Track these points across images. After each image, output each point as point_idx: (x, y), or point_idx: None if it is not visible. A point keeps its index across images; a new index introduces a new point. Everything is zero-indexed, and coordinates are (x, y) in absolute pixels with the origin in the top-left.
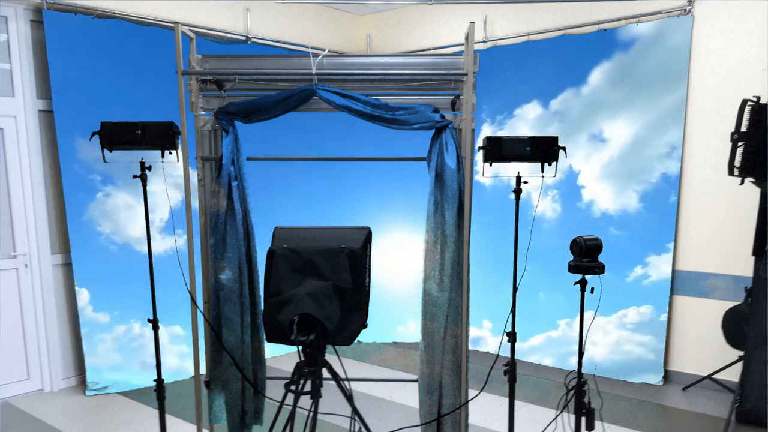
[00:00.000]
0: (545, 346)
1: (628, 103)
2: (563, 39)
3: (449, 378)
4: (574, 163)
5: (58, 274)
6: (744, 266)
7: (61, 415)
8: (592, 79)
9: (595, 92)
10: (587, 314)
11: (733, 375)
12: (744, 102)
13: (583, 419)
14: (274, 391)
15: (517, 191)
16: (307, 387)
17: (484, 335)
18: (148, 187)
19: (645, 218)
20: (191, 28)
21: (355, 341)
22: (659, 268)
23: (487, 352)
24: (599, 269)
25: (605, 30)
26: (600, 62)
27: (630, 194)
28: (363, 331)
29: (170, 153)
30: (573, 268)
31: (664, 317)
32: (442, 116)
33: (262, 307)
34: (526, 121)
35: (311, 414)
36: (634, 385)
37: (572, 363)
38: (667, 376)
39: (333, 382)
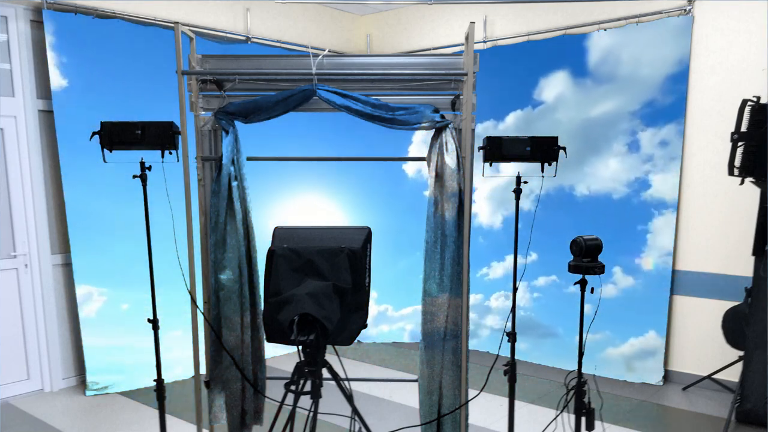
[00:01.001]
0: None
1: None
2: (563, 39)
3: (449, 378)
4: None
5: (58, 274)
6: (744, 266)
7: (61, 415)
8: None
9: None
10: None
11: (733, 375)
12: (744, 102)
13: (583, 419)
14: (274, 391)
15: (517, 191)
16: (307, 387)
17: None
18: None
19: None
20: (191, 28)
21: (355, 341)
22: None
23: (487, 352)
24: (599, 269)
25: (605, 30)
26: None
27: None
28: (363, 331)
29: (170, 153)
30: (573, 268)
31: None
32: (442, 116)
33: (262, 307)
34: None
35: (311, 414)
36: (634, 385)
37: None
38: (667, 376)
39: (333, 382)
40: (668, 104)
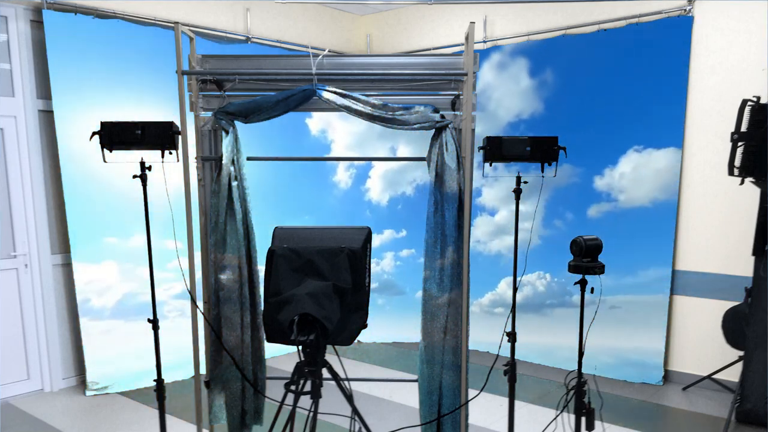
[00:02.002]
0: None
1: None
2: (563, 39)
3: (449, 378)
4: None
5: (58, 274)
6: (744, 266)
7: (61, 415)
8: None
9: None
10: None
11: (733, 375)
12: (744, 102)
13: (583, 419)
14: (274, 391)
15: (517, 191)
16: (307, 387)
17: None
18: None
19: None
20: (191, 28)
21: (355, 341)
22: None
23: (487, 352)
24: (599, 269)
25: (605, 30)
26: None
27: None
28: (363, 331)
29: (170, 153)
30: (573, 268)
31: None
32: (442, 116)
33: (262, 307)
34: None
35: (311, 414)
36: (634, 385)
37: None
38: (667, 376)
39: (333, 382)
40: (668, 104)
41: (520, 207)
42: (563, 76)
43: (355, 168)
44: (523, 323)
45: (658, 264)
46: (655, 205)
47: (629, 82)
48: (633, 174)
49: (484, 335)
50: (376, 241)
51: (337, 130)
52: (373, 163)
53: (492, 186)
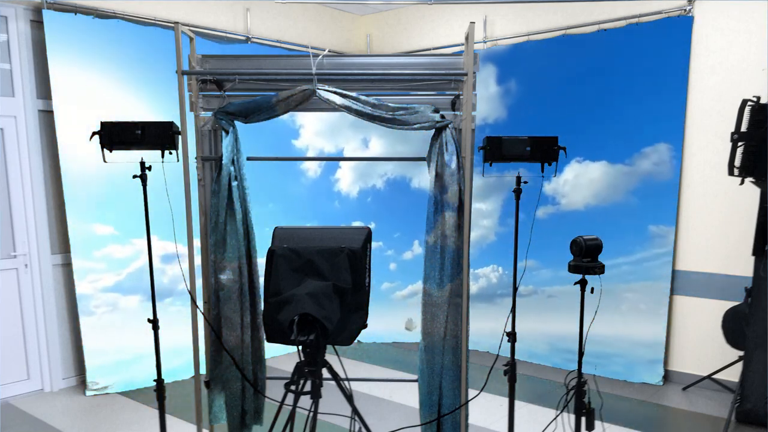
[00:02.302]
0: None
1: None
2: (563, 39)
3: (449, 378)
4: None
5: (58, 274)
6: (744, 266)
7: (61, 415)
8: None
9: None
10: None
11: (733, 375)
12: (744, 102)
13: (583, 419)
14: (274, 391)
15: (517, 191)
16: (307, 387)
17: None
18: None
19: None
20: (191, 28)
21: (355, 341)
22: None
23: (487, 352)
24: (599, 269)
25: (605, 30)
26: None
27: None
28: (363, 331)
29: (170, 153)
30: (573, 268)
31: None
32: (442, 116)
33: (262, 307)
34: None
35: (311, 414)
36: (634, 385)
37: None
38: (667, 376)
39: (333, 382)
40: (668, 104)
41: (482, 205)
42: (526, 83)
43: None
44: (478, 311)
45: None
46: (588, 209)
47: (629, 81)
48: (574, 181)
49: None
50: None
51: (306, 115)
52: (344, 152)
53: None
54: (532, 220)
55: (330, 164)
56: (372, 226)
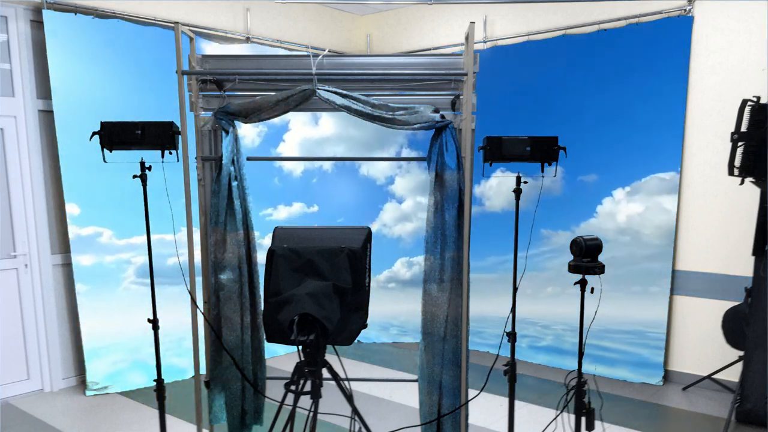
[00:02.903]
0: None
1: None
2: (563, 39)
3: (449, 378)
4: None
5: (58, 274)
6: (744, 266)
7: (61, 415)
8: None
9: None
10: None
11: (733, 375)
12: (744, 102)
13: (583, 419)
14: (274, 391)
15: (517, 191)
16: (307, 387)
17: None
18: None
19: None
20: (191, 28)
21: (355, 341)
22: None
23: (487, 352)
24: (599, 269)
25: (605, 30)
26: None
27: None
28: (363, 331)
29: (170, 153)
30: (573, 268)
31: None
32: (442, 116)
33: (262, 307)
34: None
35: (311, 414)
36: (634, 385)
37: None
38: (667, 376)
39: (333, 382)
40: (668, 104)
41: (422, 199)
42: (526, 82)
43: (266, 126)
44: (409, 296)
45: (497, 253)
46: (504, 211)
47: (629, 82)
48: (496, 188)
49: (377, 307)
50: (283, 213)
51: None
52: (290, 126)
53: (404, 176)
54: (533, 220)
55: (272, 134)
56: (315, 209)
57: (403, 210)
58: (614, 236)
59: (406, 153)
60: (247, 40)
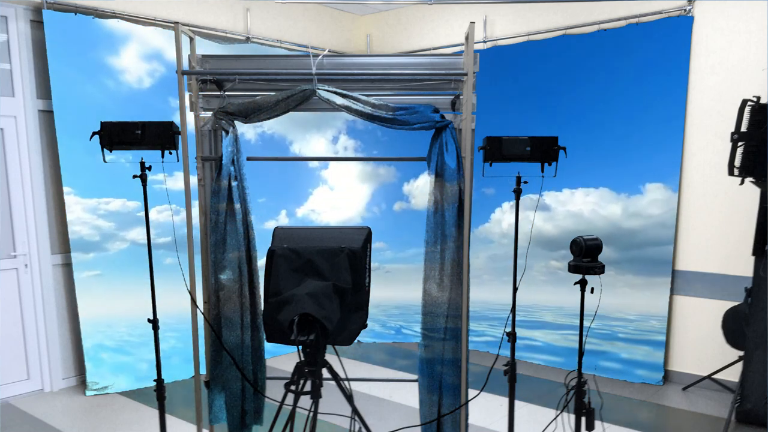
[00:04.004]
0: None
1: None
2: (563, 39)
3: (449, 378)
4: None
5: (58, 274)
6: (744, 266)
7: (61, 415)
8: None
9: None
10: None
11: (733, 375)
12: (744, 102)
13: (583, 419)
14: (274, 391)
15: (517, 191)
16: (307, 387)
17: None
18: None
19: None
20: (191, 28)
21: (355, 341)
22: None
23: (487, 352)
24: (599, 269)
25: (605, 30)
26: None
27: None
28: (363, 331)
29: (170, 153)
30: (573, 268)
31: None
32: (442, 116)
33: (262, 307)
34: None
35: (311, 414)
36: (634, 385)
37: None
38: (667, 376)
39: (333, 382)
40: (668, 104)
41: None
42: (526, 82)
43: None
44: None
45: (418, 245)
46: (427, 210)
47: (629, 82)
48: (423, 188)
49: None
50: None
51: None
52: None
53: (339, 163)
54: (532, 220)
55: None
56: (263, 200)
57: (334, 196)
58: (615, 237)
59: (344, 139)
60: (247, 40)
